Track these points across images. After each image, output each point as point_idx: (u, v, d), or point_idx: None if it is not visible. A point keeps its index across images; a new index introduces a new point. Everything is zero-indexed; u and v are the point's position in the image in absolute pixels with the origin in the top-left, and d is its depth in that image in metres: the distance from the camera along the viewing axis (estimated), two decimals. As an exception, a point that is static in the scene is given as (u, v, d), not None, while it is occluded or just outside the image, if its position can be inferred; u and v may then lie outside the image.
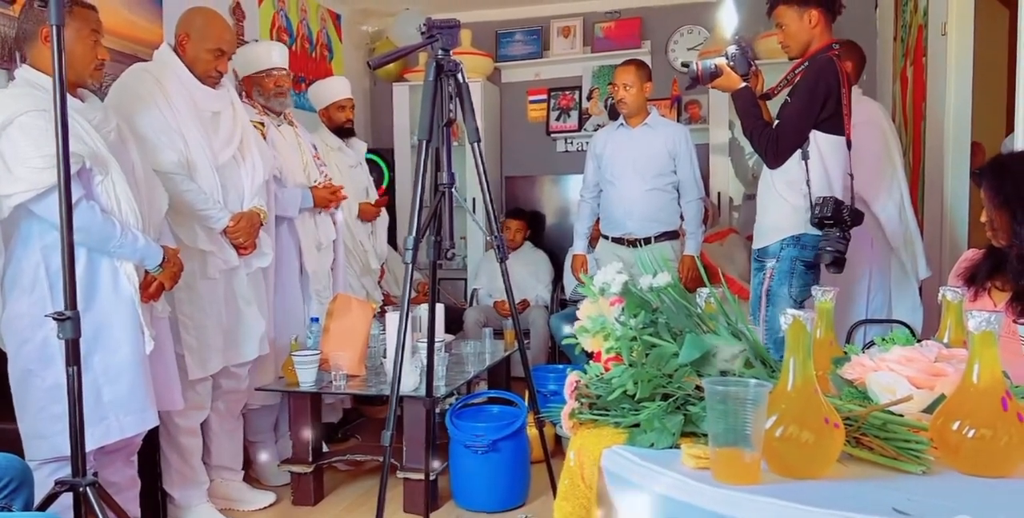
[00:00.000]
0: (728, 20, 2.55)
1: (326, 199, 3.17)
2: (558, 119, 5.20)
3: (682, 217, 3.50)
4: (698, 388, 0.96)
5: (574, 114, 5.17)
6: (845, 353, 1.18)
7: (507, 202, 5.18)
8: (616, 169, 3.46)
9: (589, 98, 5.13)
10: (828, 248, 2.33)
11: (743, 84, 2.50)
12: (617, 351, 0.98)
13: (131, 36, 3.26)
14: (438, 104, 1.98)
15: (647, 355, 0.95)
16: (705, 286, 1.05)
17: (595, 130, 5.02)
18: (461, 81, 2.02)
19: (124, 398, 2.07)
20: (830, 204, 2.32)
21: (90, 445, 1.97)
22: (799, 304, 2.41)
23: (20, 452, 2.01)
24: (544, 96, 5.24)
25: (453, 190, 2.02)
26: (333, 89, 3.64)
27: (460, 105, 2.00)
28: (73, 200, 1.88)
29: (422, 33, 2.00)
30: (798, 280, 2.43)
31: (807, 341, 0.86)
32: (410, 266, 1.94)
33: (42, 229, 1.98)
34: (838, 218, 2.33)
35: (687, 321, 0.95)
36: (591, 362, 1.04)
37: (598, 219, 3.66)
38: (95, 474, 1.84)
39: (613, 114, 4.96)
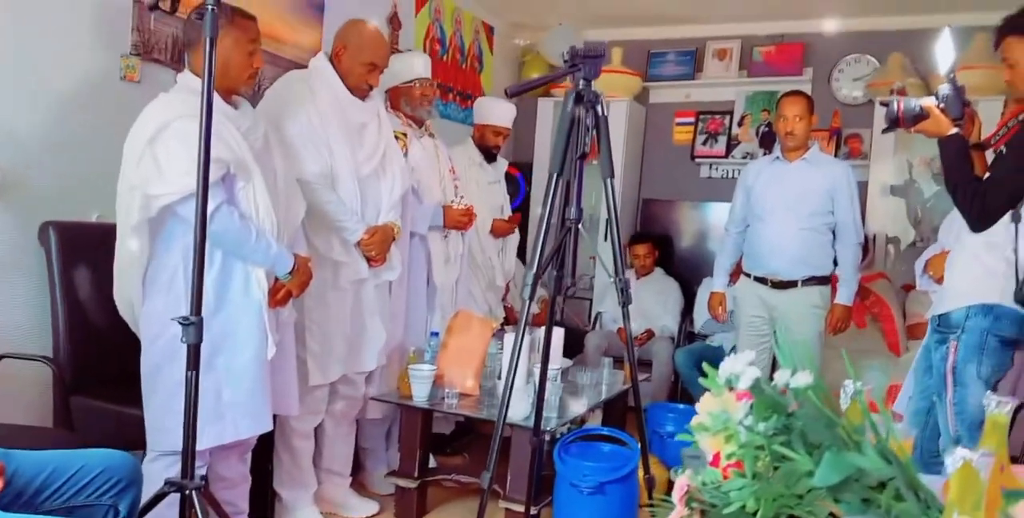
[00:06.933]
0: (944, 55, 2.20)
1: (458, 221, 3.14)
2: (704, 144, 4.99)
3: (836, 262, 3.23)
4: (832, 515, 0.82)
5: (722, 139, 4.94)
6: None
7: (642, 225, 5.02)
8: (767, 204, 3.22)
9: (740, 124, 4.89)
10: None
11: (954, 130, 2.11)
12: (739, 458, 0.85)
13: (291, 41, 3.36)
14: (573, 136, 1.89)
15: (775, 468, 0.83)
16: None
17: (743, 158, 4.78)
18: (600, 113, 1.92)
19: (242, 401, 2.11)
20: None
21: (205, 444, 2.03)
22: (991, 386, 2.07)
23: (142, 439, 2.10)
24: (692, 119, 5.04)
25: (580, 227, 1.92)
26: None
27: (597, 138, 1.90)
28: (215, 205, 1.95)
29: (565, 61, 1.91)
30: (990, 358, 2.07)
31: (979, 492, 0.69)
32: (528, 302, 1.86)
33: (184, 230, 2.01)
34: None
35: (828, 433, 0.81)
36: (708, 466, 0.92)
37: (742, 255, 3.45)
38: (204, 477, 1.88)
39: (764, 142, 4.71)
